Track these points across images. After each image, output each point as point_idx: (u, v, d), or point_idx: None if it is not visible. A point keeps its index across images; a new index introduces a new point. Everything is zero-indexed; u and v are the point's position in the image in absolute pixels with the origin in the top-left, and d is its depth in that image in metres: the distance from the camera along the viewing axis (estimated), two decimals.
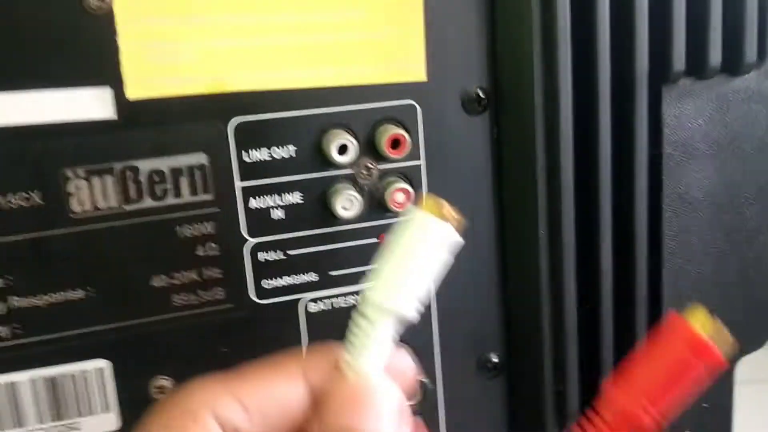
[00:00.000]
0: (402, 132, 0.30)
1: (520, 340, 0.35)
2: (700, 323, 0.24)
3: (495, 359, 0.35)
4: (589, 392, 0.35)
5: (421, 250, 0.23)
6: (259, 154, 0.30)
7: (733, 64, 0.32)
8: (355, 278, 0.32)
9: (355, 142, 0.30)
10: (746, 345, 0.37)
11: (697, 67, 0.32)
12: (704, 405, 0.37)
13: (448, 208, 0.23)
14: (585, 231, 0.33)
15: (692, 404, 0.36)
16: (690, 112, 0.33)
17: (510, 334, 0.35)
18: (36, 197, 0.27)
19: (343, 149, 0.30)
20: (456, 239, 0.23)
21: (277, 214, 0.30)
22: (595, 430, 0.24)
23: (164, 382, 0.30)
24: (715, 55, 0.32)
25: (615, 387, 0.24)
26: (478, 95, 0.31)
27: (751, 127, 0.34)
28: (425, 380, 0.30)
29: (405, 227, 0.23)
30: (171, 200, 0.29)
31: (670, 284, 0.34)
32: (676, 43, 0.31)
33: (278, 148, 0.30)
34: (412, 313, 0.23)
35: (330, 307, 0.32)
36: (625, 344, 0.34)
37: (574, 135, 0.31)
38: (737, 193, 0.35)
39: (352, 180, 0.31)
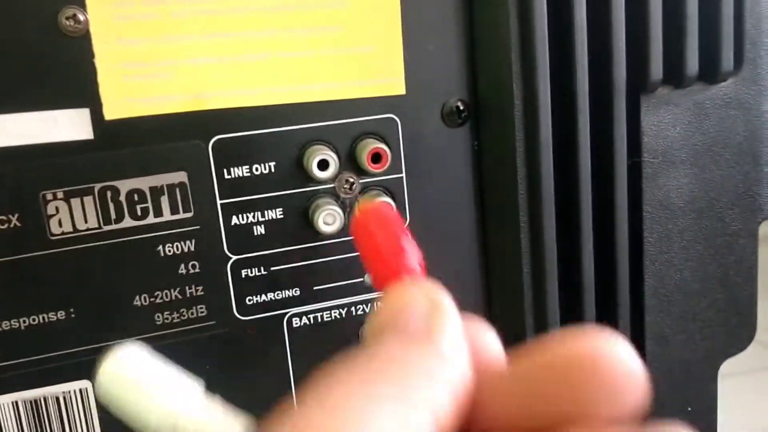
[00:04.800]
0: (382, 146, 0.30)
1: (504, 350, 0.35)
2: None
3: None
4: None
5: None
6: (240, 171, 0.29)
7: (710, 72, 0.33)
8: (339, 292, 0.32)
9: (335, 157, 0.30)
10: (729, 348, 0.37)
11: (674, 75, 0.32)
12: (689, 409, 0.37)
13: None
14: (566, 240, 0.33)
15: (676, 409, 0.36)
16: (668, 120, 0.33)
17: None
18: (15, 220, 0.27)
19: (323, 164, 0.30)
20: None
21: (259, 230, 0.30)
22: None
23: None
24: (693, 64, 0.32)
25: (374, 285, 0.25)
26: (457, 108, 0.31)
27: (729, 133, 0.34)
28: None
29: None
30: (151, 219, 0.29)
31: (652, 290, 0.35)
32: (653, 53, 0.31)
33: (258, 164, 0.30)
34: None
35: (314, 322, 0.32)
36: None
37: (554, 145, 0.31)
38: (717, 198, 0.35)
39: (334, 195, 0.31)
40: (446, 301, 0.18)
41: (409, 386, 0.15)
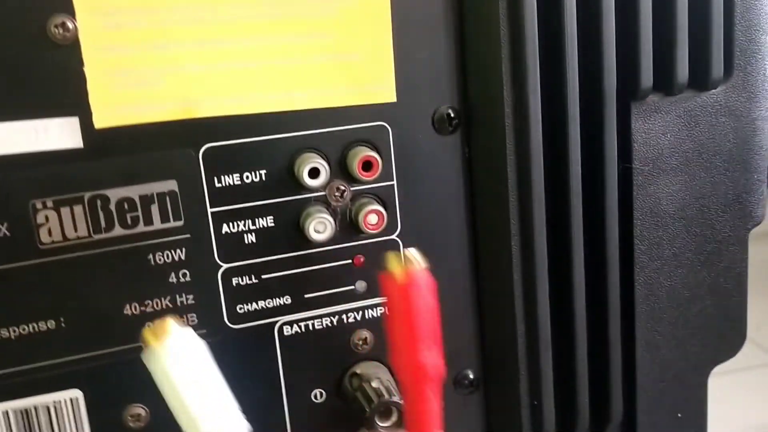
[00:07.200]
0: (373, 154, 0.30)
1: (496, 356, 0.35)
2: (395, 266, 0.26)
3: (471, 376, 0.35)
4: (565, 405, 0.35)
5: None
6: (230, 180, 0.29)
7: (700, 80, 0.33)
8: (330, 300, 0.32)
9: (326, 165, 0.30)
10: (719, 354, 0.38)
11: (664, 83, 0.32)
12: (678, 415, 0.37)
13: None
14: (557, 246, 0.33)
15: (666, 415, 0.37)
16: (659, 128, 0.33)
17: (485, 351, 0.35)
18: (4, 229, 0.27)
19: (314, 172, 0.30)
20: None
21: (250, 238, 0.30)
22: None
23: (139, 410, 0.30)
24: (683, 71, 0.32)
25: (392, 357, 0.26)
26: (448, 115, 0.31)
27: (720, 140, 0.34)
28: (400, 400, 0.30)
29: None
30: (142, 228, 0.29)
31: (643, 297, 0.35)
32: (643, 60, 0.31)
33: (249, 172, 0.30)
34: None
35: (305, 330, 0.32)
36: (598, 357, 0.35)
37: (545, 152, 0.31)
38: (707, 205, 0.35)
39: (325, 203, 0.31)
40: None
41: None
